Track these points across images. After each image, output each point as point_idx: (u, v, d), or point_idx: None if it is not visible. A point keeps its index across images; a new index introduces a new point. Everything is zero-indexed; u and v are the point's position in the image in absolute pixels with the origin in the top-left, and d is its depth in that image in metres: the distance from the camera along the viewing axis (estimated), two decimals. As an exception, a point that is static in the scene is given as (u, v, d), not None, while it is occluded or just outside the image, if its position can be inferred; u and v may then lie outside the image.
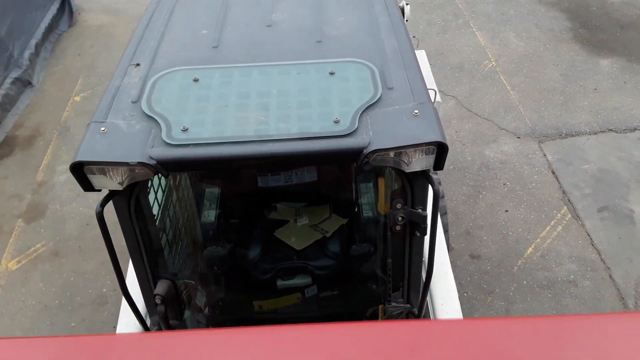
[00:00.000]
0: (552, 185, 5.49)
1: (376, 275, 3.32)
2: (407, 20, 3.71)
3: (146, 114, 2.07)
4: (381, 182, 2.97)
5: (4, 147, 6.29)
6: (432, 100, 3.58)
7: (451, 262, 3.23)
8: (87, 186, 2.01)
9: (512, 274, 4.74)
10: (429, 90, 2.23)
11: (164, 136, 1.97)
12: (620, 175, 5.54)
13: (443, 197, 4.37)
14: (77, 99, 6.97)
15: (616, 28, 7.65)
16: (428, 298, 2.92)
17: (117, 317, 2.95)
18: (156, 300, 2.37)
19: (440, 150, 1.95)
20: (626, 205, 5.25)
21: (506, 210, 5.26)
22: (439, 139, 1.91)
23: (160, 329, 2.47)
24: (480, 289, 4.63)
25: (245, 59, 2.37)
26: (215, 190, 3.67)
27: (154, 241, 2.40)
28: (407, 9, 3.83)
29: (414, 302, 2.54)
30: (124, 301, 2.76)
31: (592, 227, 5.06)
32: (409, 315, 2.59)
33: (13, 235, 5.26)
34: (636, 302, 4.50)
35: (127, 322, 2.85)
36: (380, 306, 2.88)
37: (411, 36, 2.74)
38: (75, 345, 1.28)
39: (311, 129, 1.97)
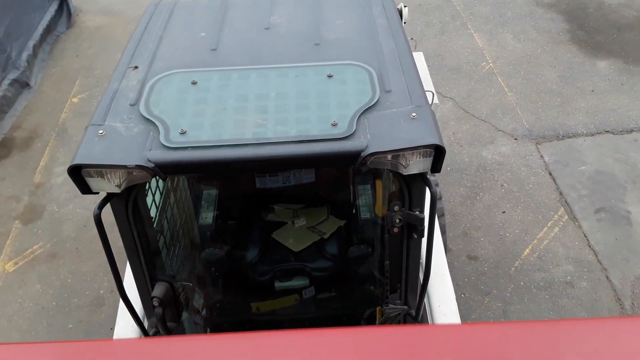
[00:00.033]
0: (549, 186, 5.50)
1: (374, 277, 3.33)
2: (405, 22, 3.71)
3: (144, 117, 2.07)
4: (379, 184, 2.98)
5: (1, 149, 6.28)
6: (430, 102, 3.60)
7: (448, 263, 3.24)
8: (85, 189, 2.01)
9: (510, 275, 4.75)
10: (426, 92, 2.24)
11: (162, 139, 1.97)
12: (617, 176, 5.56)
13: (440, 198, 4.38)
14: (75, 100, 6.96)
15: (613, 30, 7.67)
16: (425, 300, 2.92)
17: (115, 319, 2.95)
18: (154, 303, 2.37)
19: (437, 153, 1.95)
20: (623, 206, 5.27)
21: (503, 212, 5.27)
22: (436, 141, 1.92)
23: (157, 331, 2.47)
24: (477, 290, 4.64)
25: (243, 61, 2.37)
26: (213, 192, 3.67)
27: (151, 243, 2.41)
28: (405, 11, 3.83)
29: (411, 304, 2.54)
30: (121, 303, 2.76)
31: (589, 228, 5.07)
32: (406, 317, 2.60)
33: (10, 237, 5.26)
34: (633, 303, 4.51)
35: (124, 325, 2.85)
36: (377, 308, 2.89)
37: (409, 38, 2.75)
38: (72, 351, 1.28)
39: (309, 132, 1.98)
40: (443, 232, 4.24)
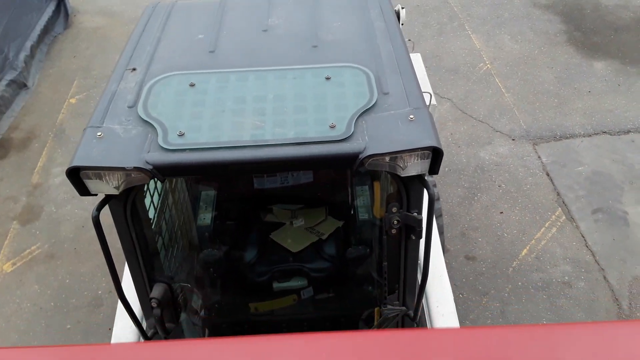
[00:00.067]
0: (546, 187, 5.52)
1: (372, 278, 3.33)
2: (402, 24, 3.72)
3: (142, 119, 2.07)
4: (377, 185, 2.99)
5: (-1, 149, 6.28)
6: (428, 103, 3.60)
7: (446, 263, 3.25)
8: (83, 191, 2.01)
9: (507, 275, 4.76)
10: (424, 93, 2.25)
11: (160, 141, 1.97)
12: (614, 177, 5.58)
13: (438, 199, 4.39)
14: (73, 101, 6.96)
15: (610, 31, 7.70)
16: (424, 300, 2.93)
17: (113, 320, 2.95)
18: (152, 304, 2.37)
19: (435, 155, 1.96)
20: (620, 207, 5.29)
21: (501, 212, 5.28)
22: (434, 144, 1.93)
23: (156, 332, 2.48)
24: (475, 290, 4.66)
25: (241, 63, 2.38)
26: (211, 192, 3.67)
27: (150, 245, 2.41)
28: (402, 12, 3.84)
29: (409, 305, 2.55)
30: (119, 304, 2.77)
31: (587, 229, 5.09)
32: (404, 317, 2.60)
33: (8, 238, 5.25)
34: (630, 303, 4.53)
35: (123, 326, 2.85)
36: (376, 309, 2.89)
37: (407, 39, 2.75)
38: (70, 355, 1.28)
39: (307, 134, 1.98)
40: (441, 233, 4.25)
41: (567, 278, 4.72)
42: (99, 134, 2.03)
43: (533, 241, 5.02)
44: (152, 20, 2.75)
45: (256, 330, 3.54)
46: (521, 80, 6.91)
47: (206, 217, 3.51)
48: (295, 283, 3.47)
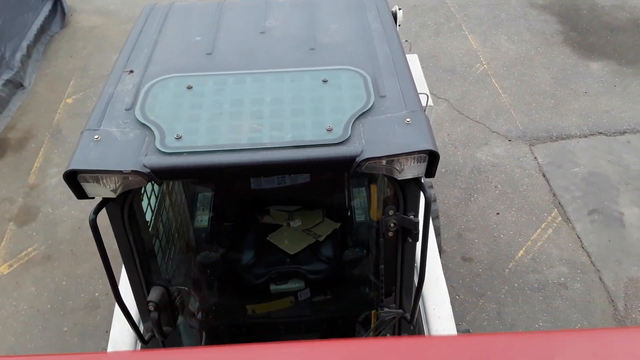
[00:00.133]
0: (542, 188, 5.53)
1: (369, 280, 3.34)
2: (399, 25, 3.73)
3: (140, 122, 2.07)
4: (373, 188, 2.99)
5: (-5, 150, 6.26)
6: (424, 104, 3.61)
7: (443, 264, 3.25)
8: (81, 194, 2.01)
9: (504, 276, 4.78)
10: (421, 94, 2.25)
11: (157, 144, 1.97)
12: (610, 178, 5.60)
13: (435, 200, 4.40)
14: (69, 101, 6.94)
15: (606, 31, 7.72)
16: (420, 303, 2.94)
17: (110, 322, 2.95)
18: (149, 307, 2.37)
19: (431, 159, 1.97)
20: (616, 208, 5.30)
21: (497, 213, 5.30)
22: (430, 147, 1.93)
23: (153, 336, 2.48)
24: (471, 292, 4.67)
25: (238, 66, 2.38)
26: (208, 194, 3.67)
27: (147, 248, 2.41)
28: (399, 13, 3.84)
29: (406, 307, 2.56)
30: (117, 307, 2.76)
31: (583, 230, 5.11)
32: (401, 320, 2.61)
33: (4, 239, 5.24)
34: (626, 304, 4.55)
35: (120, 329, 2.85)
36: (372, 311, 2.90)
37: (403, 40, 2.75)
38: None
39: (304, 137, 1.99)
40: (437, 234, 4.26)
41: (563, 279, 4.73)
42: (96, 137, 2.03)
43: (529, 242, 5.03)
44: (149, 22, 2.75)
45: (253, 333, 3.55)
46: (518, 80, 6.92)
47: (203, 219, 3.51)
48: (292, 285, 3.47)
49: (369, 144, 1.96)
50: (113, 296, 2.29)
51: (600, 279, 4.72)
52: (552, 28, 7.83)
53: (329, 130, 2.01)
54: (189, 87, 2.23)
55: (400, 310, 2.54)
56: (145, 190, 2.65)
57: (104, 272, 2.18)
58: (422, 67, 4.77)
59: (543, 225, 5.17)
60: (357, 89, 2.20)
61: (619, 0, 8.35)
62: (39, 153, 6.16)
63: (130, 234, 2.21)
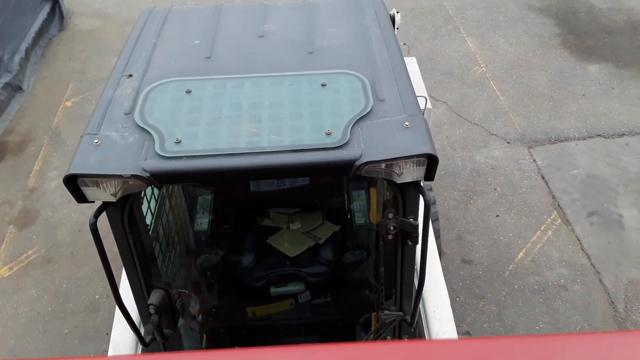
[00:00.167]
0: (542, 190, 5.54)
1: (369, 283, 3.34)
2: (397, 28, 3.73)
3: (139, 126, 2.08)
4: (373, 192, 3.00)
5: (-6, 153, 6.26)
6: (423, 107, 3.62)
7: (443, 267, 3.26)
8: (81, 198, 2.01)
9: (504, 278, 4.78)
10: (419, 97, 2.25)
11: (157, 148, 1.98)
12: (609, 180, 5.61)
13: (434, 203, 4.40)
14: (68, 104, 6.95)
15: (604, 34, 7.74)
16: (420, 305, 2.94)
17: (110, 324, 2.95)
18: (150, 310, 2.37)
19: (430, 162, 1.97)
20: (615, 210, 5.31)
21: (497, 215, 5.30)
22: (429, 151, 1.94)
23: (154, 338, 2.48)
24: (472, 294, 4.67)
25: (237, 70, 2.38)
26: (208, 197, 3.68)
27: (147, 251, 2.41)
28: (397, 16, 3.85)
29: (406, 310, 2.56)
30: (117, 310, 2.77)
31: (582, 232, 5.12)
32: (401, 323, 2.61)
33: (4, 242, 5.24)
34: (626, 306, 4.56)
35: (121, 331, 2.85)
36: (373, 314, 2.90)
37: (402, 43, 2.76)
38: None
39: (303, 141, 1.99)
40: (437, 237, 4.27)
41: (563, 281, 4.74)
42: (95, 141, 2.03)
43: (529, 244, 5.04)
44: (148, 26, 2.76)
45: (253, 335, 3.55)
46: (516, 83, 6.94)
47: (203, 222, 3.52)
48: (292, 288, 3.47)
49: (368, 148, 1.96)
50: (113, 298, 2.29)
51: (600, 280, 4.73)
52: (549, 31, 7.85)
53: (328, 134, 2.02)
54: (188, 91, 2.24)
55: (401, 313, 2.55)
56: (145, 194, 2.65)
57: (104, 274, 2.18)
58: (421, 70, 4.79)
59: (542, 228, 5.18)
60: (355, 92, 2.20)
61: (616, 3, 8.37)
62: (38, 156, 6.16)
63: (130, 237, 2.21)
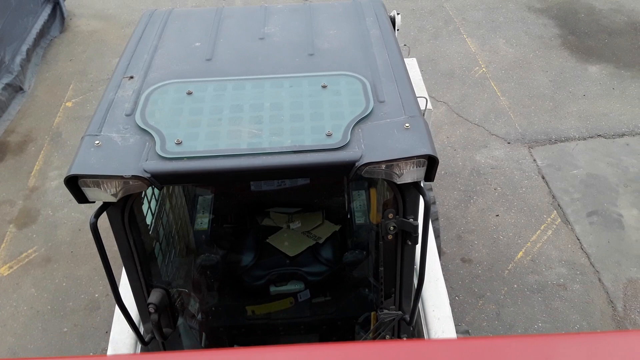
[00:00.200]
0: (542, 190, 5.55)
1: (368, 282, 3.36)
2: (398, 30, 3.74)
3: (140, 127, 2.09)
4: (373, 192, 3.01)
5: (-5, 153, 6.28)
6: (423, 108, 3.63)
7: (442, 266, 3.27)
8: (82, 198, 2.02)
9: (503, 277, 4.79)
10: (419, 98, 2.26)
11: (158, 149, 1.99)
12: (609, 180, 5.62)
13: (434, 203, 4.41)
14: (69, 104, 6.96)
15: (604, 35, 7.75)
16: (420, 304, 2.95)
17: (110, 323, 2.96)
18: (149, 309, 2.38)
19: (430, 163, 1.98)
20: (615, 209, 5.32)
21: (497, 215, 5.31)
22: (429, 152, 1.95)
23: (153, 337, 2.49)
24: (471, 293, 4.68)
25: (238, 71, 2.39)
26: (208, 197, 3.69)
27: (147, 251, 2.42)
28: (398, 18, 3.86)
29: (405, 309, 2.57)
30: (117, 308, 2.78)
31: (582, 232, 5.13)
32: (400, 321, 2.62)
33: (5, 241, 5.25)
34: (625, 305, 4.57)
35: (120, 330, 2.86)
36: (372, 313, 2.91)
37: (402, 44, 2.77)
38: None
39: (304, 142, 2.00)
40: (437, 236, 4.28)
41: (562, 280, 4.75)
42: (97, 142, 2.05)
43: (529, 244, 5.05)
44: (149, 28, 2.77)
45: (253, 334, 3.56)
46: (516, 83, 6.95)
47: (203, 222, 3.53)
48: (292, 287, 3.49)
49: (368, 149, 1.97)
50: (113, 297, 2.30)
51: (600, 280, 4.74)
52: (550, 31, 7.86)
53: (329, 135, 2.03)
54: (189, 93, 2.25)
55: (400, 312, 2.56)
56: (145, 194, 2.66)
57: (104, 273, 2.20)
58: (421, 71, 4.80)
59: (542, 227, 5.19)
60: (356, 94, 2.21)
61: (616, 4, 8.38)
62: (39, 156, 6.18)
63: (130, 237, 2.23)
